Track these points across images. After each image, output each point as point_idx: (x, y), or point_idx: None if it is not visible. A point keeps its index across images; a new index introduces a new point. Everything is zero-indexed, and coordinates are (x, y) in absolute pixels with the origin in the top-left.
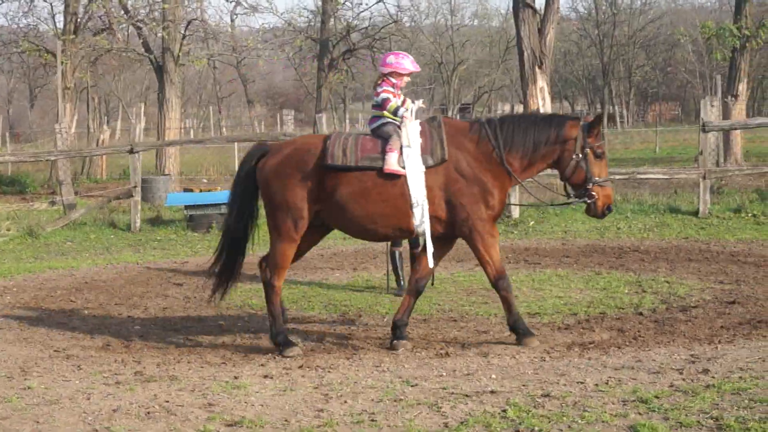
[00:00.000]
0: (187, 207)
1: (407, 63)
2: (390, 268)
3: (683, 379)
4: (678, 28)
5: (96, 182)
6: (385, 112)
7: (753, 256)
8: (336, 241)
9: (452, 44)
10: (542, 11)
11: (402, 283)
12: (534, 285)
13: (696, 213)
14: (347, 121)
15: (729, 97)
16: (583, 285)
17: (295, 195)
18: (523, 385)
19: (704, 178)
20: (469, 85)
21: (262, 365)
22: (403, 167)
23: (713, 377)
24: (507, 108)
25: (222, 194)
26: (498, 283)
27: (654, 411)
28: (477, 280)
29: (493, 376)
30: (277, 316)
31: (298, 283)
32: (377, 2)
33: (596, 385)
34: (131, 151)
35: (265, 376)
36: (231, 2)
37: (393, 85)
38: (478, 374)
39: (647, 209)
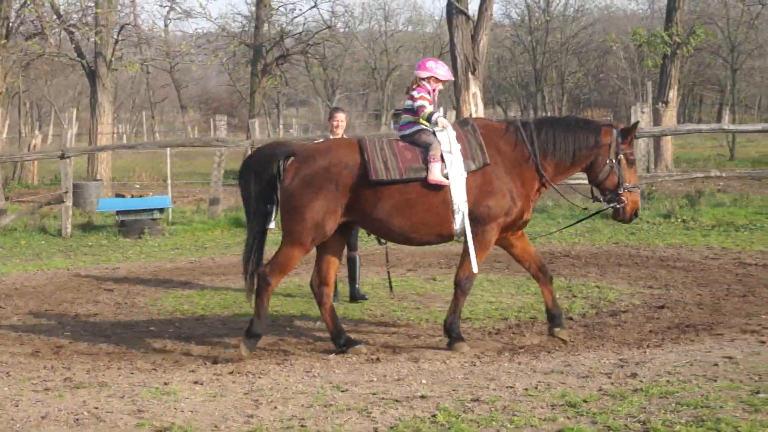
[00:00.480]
0: (118, 212)
1: (444, 71)
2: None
3: (612, 383)
4: (610, 34)
5: (27, 187)
6: (421, 119)
7: (682, 261)
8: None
9: (386, 50)
10: (475, 18)
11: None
12: None
13: None
14: (281, 126)
15: (660, 104)
16: (515, 290)
17: (324, 208)
18: (453, 390)
19: None
20: (403, 91)
21: (192, 371)
22: (446, 176)
23: (641, 381)
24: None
25: (154, 200)
26: (462, 282)
27: (582, 415)
28: (408, 285)
29: (424, 381)
30: (263, 316)
31: (230, 288)
32: (311, 8)
33: (526, 389)
34: (63, 157)
35: (195, 382)
36: (164, 7)
37: (429, 92)
38: (408, 379)
39: (578, 215)
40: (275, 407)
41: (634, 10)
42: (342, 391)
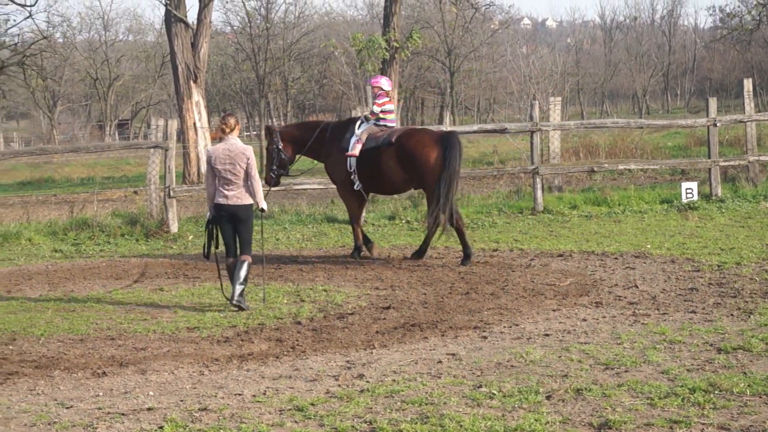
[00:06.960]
0: None
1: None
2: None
3: (339, 385)
4: (329, 40)
5: None
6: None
7: (407, 261)
8: None
9: (107, 60)
10: (195, 26)
11: None
12: (193, 299)
13: None
14: (1, 140)
15: None
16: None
17: None
18: (181, 401)
19: None
20: (127, 101)
21: None
22: None
23: (368, 382)
24: (161, 123)
25: None
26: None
27: (310, 418)
28: (135, 296)
29: (151, 393)
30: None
31: None
32: (26, 18)
33: (254, 396)
34: None
35: None
36: None
37: None
38: (135, 392)
39: (305, 219)
40: None
41: (354, 16)
42: (67, 408)
